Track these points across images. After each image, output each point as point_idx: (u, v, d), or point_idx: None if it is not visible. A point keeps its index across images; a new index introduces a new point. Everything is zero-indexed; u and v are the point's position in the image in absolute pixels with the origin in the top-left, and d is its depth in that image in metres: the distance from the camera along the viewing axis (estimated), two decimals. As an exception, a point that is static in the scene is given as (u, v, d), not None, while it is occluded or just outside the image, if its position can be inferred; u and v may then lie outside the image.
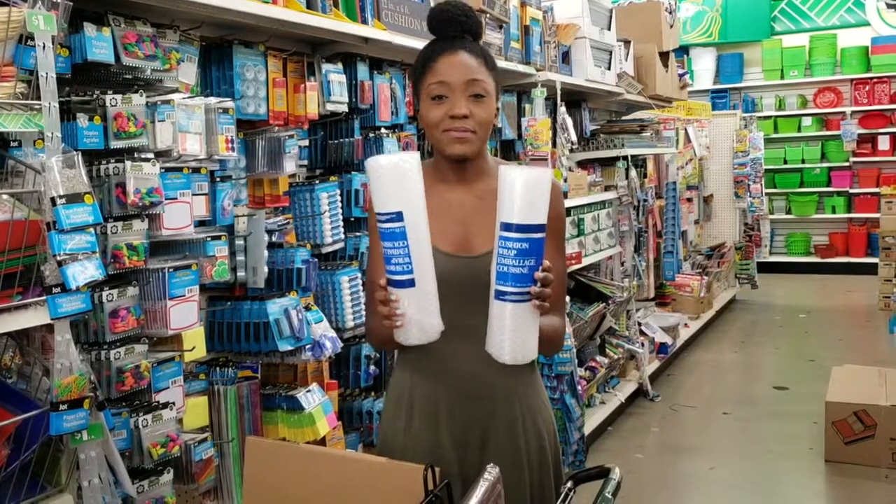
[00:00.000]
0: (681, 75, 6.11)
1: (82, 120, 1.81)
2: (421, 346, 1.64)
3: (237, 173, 2.36)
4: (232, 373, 2.33)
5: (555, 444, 1.71)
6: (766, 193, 8.69)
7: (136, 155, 1.93)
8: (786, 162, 9.81)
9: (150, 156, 1.96)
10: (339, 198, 2.66)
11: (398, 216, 1.42)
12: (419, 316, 1.47)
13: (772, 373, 5.65)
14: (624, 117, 5.70)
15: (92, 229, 1.65)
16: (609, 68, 4.71)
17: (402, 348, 1.70)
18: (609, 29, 4.71)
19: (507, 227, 1.39)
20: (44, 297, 1.61)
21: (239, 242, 2.32)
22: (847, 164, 9.59)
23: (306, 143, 2.65)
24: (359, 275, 2.68)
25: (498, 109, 1.66)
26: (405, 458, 1.30)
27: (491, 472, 1.26)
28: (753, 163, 8.00)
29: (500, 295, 1.42)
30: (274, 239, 2.44)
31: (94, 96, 1.87)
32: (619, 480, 1.44)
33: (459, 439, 1.62)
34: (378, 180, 1.43)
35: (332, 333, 2.51)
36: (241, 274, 2.33)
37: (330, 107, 2.60)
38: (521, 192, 1.38)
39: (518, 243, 1.38)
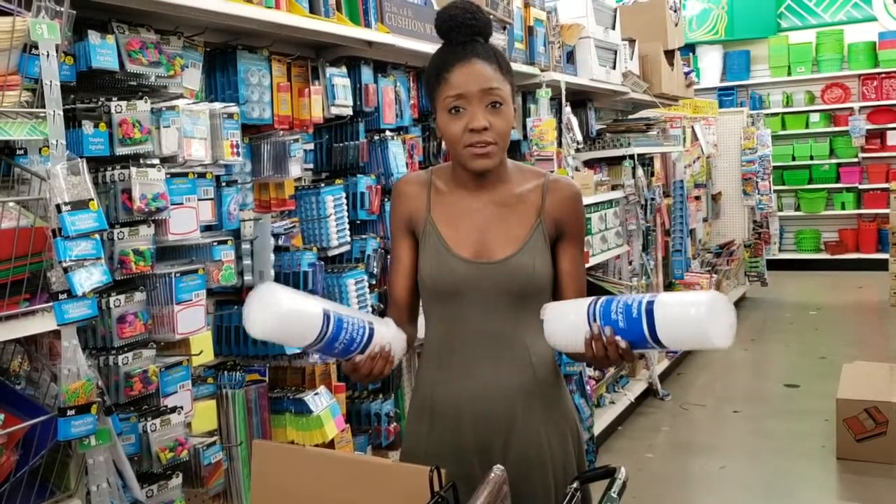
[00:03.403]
0: (687, 73, 6.09)
1: (87, 127, 1.82)
2: (442, 352, 1.65)
3: (243, 178, 2.37)
4: (240, 376, 2.34)
5: (578, 446, 1.69)
6: (775, 190, 8.65)
7: (141, 161, 1.94)
8: (794, 158, 9.77)
9: (156, 162, 1.96)
10: (344, 201, 2.67)
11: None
12: (395, 343, 1.52)
13: (782, 370, 5.63)
14: (630, 116, 5.68)
15: (97, 235, 1.66)
16: (614, 67, 4.70)
17: (424, 354, 1.71)
18: (613, 28, 4.70)
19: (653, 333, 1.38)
20: (50, 304, 1.62)
21: (245, 246, 2.33)
22: (856, 159, 9.54)
23: (311, 146, 2.66)
24: (365, 277, 2.68)
25: (515, 110, 1.63)
26: (428, 463, 1.30)
27: (496, 473, 1.27)
28: (761, 160, 7.97)
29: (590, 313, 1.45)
30: (280, 242, 2.44)
31: (99, 103, 1.88)
32: (624, 480, 1.43)
33: (482, 444, 1.61)
34: None
35: (340, 336, 2.51)
36: (247, 278, 2.34)
37: (334, 110, 2.60)
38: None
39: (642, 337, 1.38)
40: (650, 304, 1.35)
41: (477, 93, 1.53)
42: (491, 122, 1.54)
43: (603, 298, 1.42)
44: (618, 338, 1.37)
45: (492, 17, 3.37)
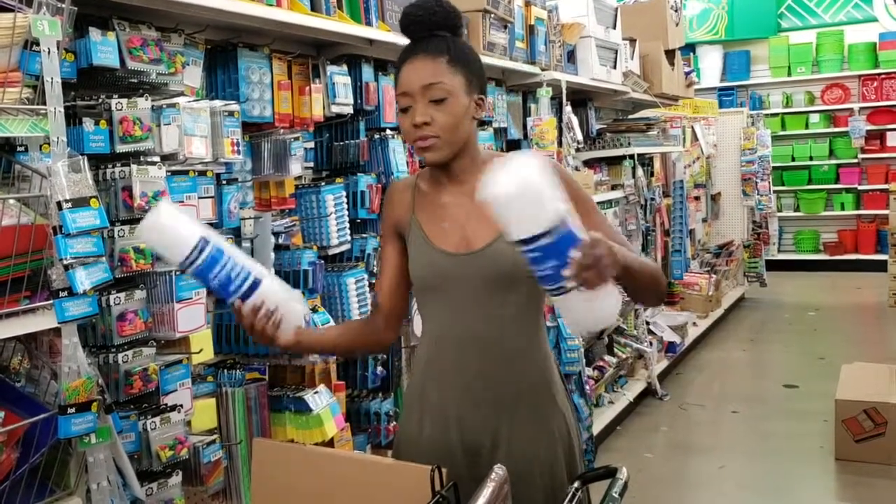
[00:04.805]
0: (687, 73, 6.09)
1: (88, 124, 1.82)
2: (431, 349, 1.66)
3: (243, 176, 2.37)
4: (239, 375, 2.34)
5: (569, 446, 1.69)
6: (774, 191, 8.65)
7: (141, 158, 1.94)
8: (794, 159, 9.77)
9: (156, 159, 1.96)
10: (344, 199, 2.67)
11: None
12: (286, 307, 1.52)
13: (781, 371, 5.63)
14: (630, 116, 5.68)
15: (98, 233, 1.66)
16: (615, 67, 4.70)
17: (416, 351, 1.71)
18: (614, 27, 4.70)
19: (515, 242, 1.31)
20: (51, 301, 1.62)
21: (246, 245, 2.33)
22: (855, 160, 9.55)
23: (312, 145, 2.66)
24: (365, 276, 2.68)
25: (482, 100, 1.61)
26: (417, 460, 1.30)
27: (497, 473, 1.26)
28: (761, 160, 7.96)
29: (548, 291, 1.36)
30: (280, 241, 2.44)
31: (100, 100, 1.88)
32: (625, 480, 1.43)
33: (469, 443, 1.61)
34: None
35: (339, 335, 2.51)
36: (247, 276, 2.33)
37: (335, 108, 2.60)
38: (507, 208, 1.28)
39: (531, 253, 1.30)
40: None
41: (419, 89, 1.55)
42: (433, 117, 1.55)
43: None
44: None
45: (492, 15, 3.37)
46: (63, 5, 1.67)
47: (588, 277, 1.26)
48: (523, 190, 1.26)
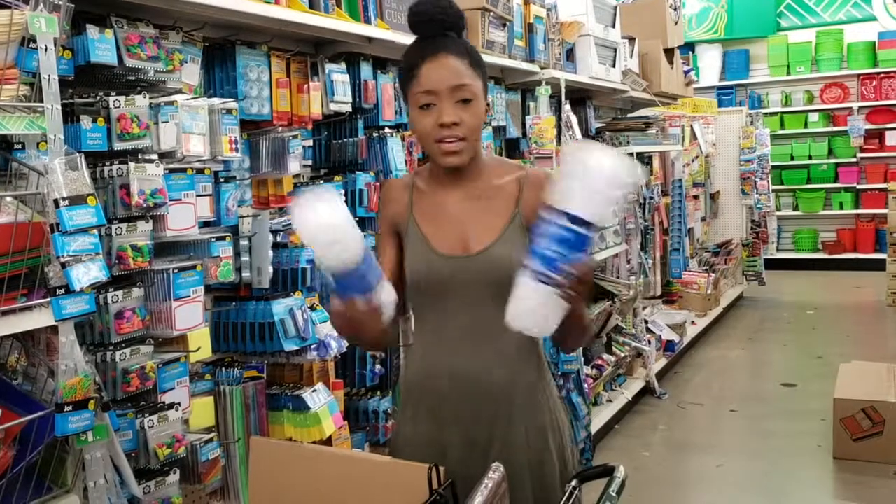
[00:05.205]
0: (686, 72, 6.09)
1: (86, 122, 1.82)
2: (427, 347, 1.66)
3: (241, 174, 2.37)
4: (237, 373, 2.34)
5: (560, 445, 1.68)
6: (773, 190, 8.65)
7: (139, 156, 1.93)
8: (793, 158, 9.78)
9: (154, 157, 1.96)
10: (343, 198, 2.66)
11: None
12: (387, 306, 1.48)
13: (779, 370, 5.63)
14: (629, 115, 5.68)
15: (95, 231, 1.66)
16: (614, 65, 4.69)
17: (412, 350, 1.71)
18: (613, 26, 4.69)
19: (559, 212, 1.32)
20: (48, 299, 1.61)
21: (243, 243, 2.33)
22: (854, 159, 9.55)
23: (310, 143, 2.65)
24: (364, 274, 2.67)
25: (488, 105, 1.63)
26: (412, 458, 1.30)
27: (496, 471, 1.26)
28: (760, 159, 7.97)
29: (531, 274, 1.36)
30: (279, 239, 2.44)
31: (98, 98, 1.88)
32: (623, 479, 1.43)
33: (464, 440, 1.61)
34: None
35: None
36: (245, 274, 2.33)
37: (333, 107, 2.60)
38: (596, 181, 1.31)
39: (566, 232, 1.31)
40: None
41: (446, 89, 1.53)
42: (461, 118, 1.54)
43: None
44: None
45: (491, 13, 3.37)
46: (60, 2, 1.66)
47: (571, 287, 1.34)
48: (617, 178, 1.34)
